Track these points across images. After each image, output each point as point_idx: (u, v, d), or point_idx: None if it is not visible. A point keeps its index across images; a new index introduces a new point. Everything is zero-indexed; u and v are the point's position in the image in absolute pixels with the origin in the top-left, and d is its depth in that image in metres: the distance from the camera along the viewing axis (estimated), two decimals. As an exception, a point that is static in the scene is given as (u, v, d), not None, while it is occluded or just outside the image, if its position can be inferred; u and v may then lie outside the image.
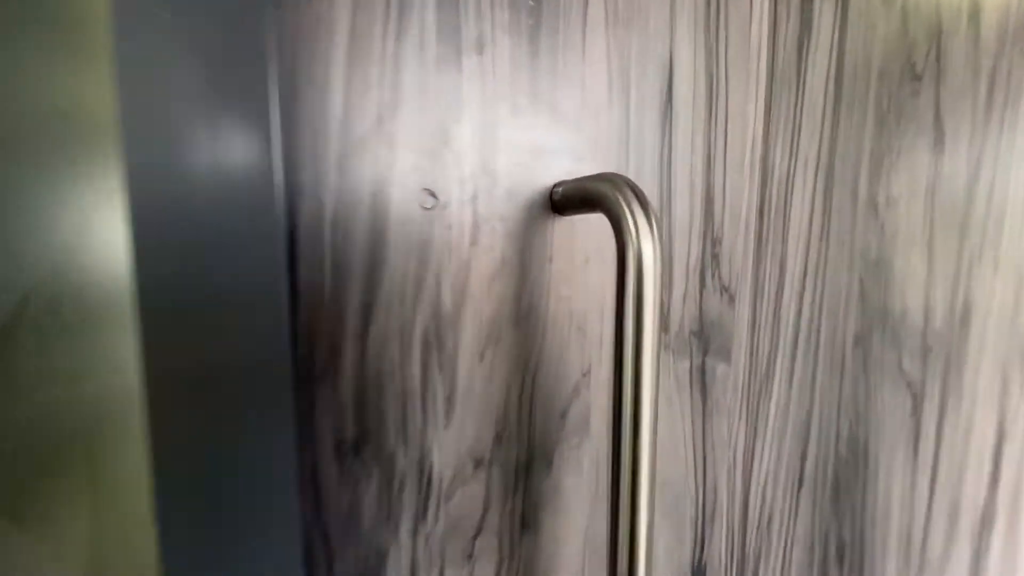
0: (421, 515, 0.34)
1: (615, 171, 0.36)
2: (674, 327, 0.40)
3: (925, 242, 0.49)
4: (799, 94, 0.41)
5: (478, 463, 0.35)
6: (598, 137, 0.35)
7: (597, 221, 0.36)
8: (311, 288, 0.30)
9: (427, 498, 0.34)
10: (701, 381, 0.41)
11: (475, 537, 0.36)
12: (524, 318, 0.35)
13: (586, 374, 0.37)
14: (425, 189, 0.31)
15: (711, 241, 0.40)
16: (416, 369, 0.33)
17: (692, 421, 0.42)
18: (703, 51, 0.37)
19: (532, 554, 0.37)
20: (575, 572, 0.39)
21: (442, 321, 0.33)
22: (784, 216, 0.42)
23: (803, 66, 0.41)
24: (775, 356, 0.44)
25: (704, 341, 0.41)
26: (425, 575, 0.35)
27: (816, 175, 0.43)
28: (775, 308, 0.43)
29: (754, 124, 0.40)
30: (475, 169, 0.32)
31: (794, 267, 0.43)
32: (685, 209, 0.39)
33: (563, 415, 0.37)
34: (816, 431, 0.47)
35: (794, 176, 0.42)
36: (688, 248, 0.39)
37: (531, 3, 0.32)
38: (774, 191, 0.41)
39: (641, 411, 0.29)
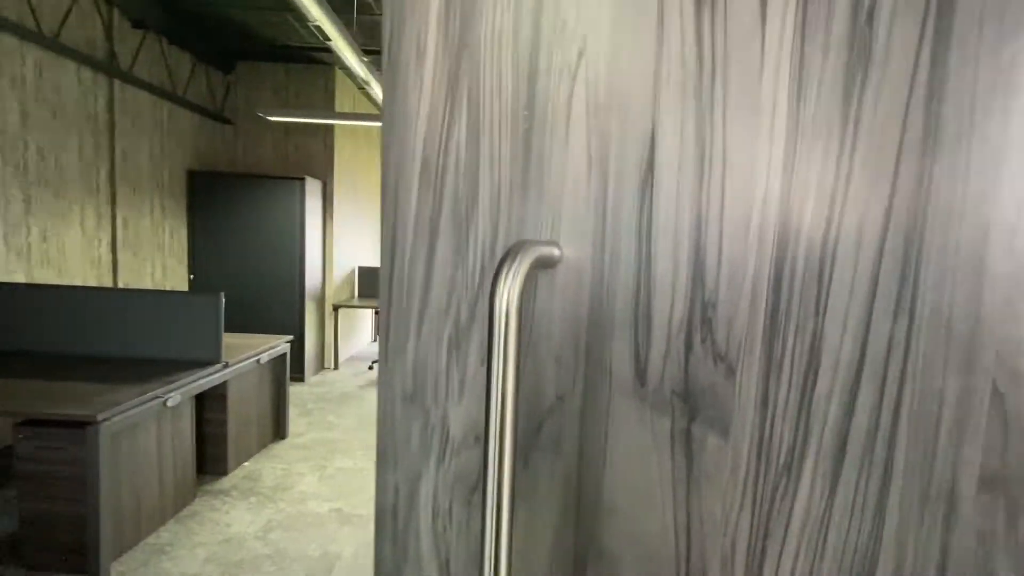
0: (441, 458, 0.51)
1: (591, 235, 0.42)
2: (652, 382, 0.41)
3: None
4: (846, 139, 0.34)
5: (477, 438, 0.49)
6: (576, 208, 0.43)
7: (572, 273, 0.43)
8: (392, 301, 0.52)
9: (445, 448, 0.51)
10: (686, 446, 0.40)
11: (473, 492, 0.50)
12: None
13: (561, 398, 0.45)
14: (455, 254, 0.48)
15: (701, 304, 0.39)
16: (444, 359, 0.50)
17: (673, 486, 0.41)
18: (692, 118, 0.38)
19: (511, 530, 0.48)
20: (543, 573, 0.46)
21: (459, 332, 0.49)
22: (820, 288, 0.35)
23: (855, 108, 0.34)
24: (802, 453, 0.36)
25: (691, 405, 0.40)
26: (442, 502, 0.52)
27: (885, 237, 0.33)
28: (802, 396, 0.36)
29: (767, 183, 0.36)
30: (487, 237, 0.47)
31: (839, 352, 0.35)
32: (667, 270, 0.40)
33: (538, 429, 0.46)
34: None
35: (836, 241, 0.35)
36: (671, 308, 0.40)
37: (524, 112, 0.44)
38: (800, 258, 0.36)
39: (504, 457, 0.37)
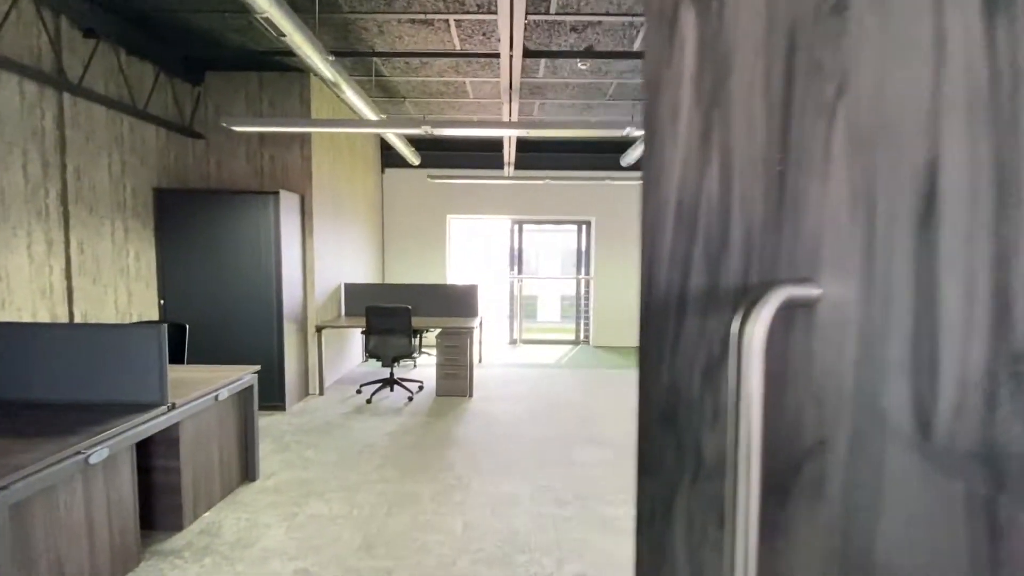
0: (693, 479, 0.55)
1: (857, 273, 0.40)
2: (940, 437, 0.36)
3: None
4: None
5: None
6: (838, 245, 0.41)
7: (835, 312, 0.42)
8: (649, 325, 0.59)
9: (698, 469, 0.54)
10: (988, 519, 0.34)
11: (723, 516, 0.52)
12: (769, 378, 0.47)
13: (823, 442, 0.44)
14: (707, 288, 0.52)
15: (1009, 354, 0.33)
16: (697, 387, 0.54)
17: (971, 563, 0.35)
18: (987, 142, 0.33)
19: (761, 559, 0.48)
20: (802, 606, 0.45)
21: (712, 363, 0.52)
22: None
23: None
24: None
25: (997, 472, 0.34)
26: (696, 519, 0.55)
27: None
28: None
29: (1111, 210, 0.29)
30: (737, 274, 0.49)
31: None
32: (958, 313, 0.35)
33: (797, 470, 0.46)
34: None
35: None
36: (964, 356, 0.35)
37: (778, 155, 0.45)
38: None
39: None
